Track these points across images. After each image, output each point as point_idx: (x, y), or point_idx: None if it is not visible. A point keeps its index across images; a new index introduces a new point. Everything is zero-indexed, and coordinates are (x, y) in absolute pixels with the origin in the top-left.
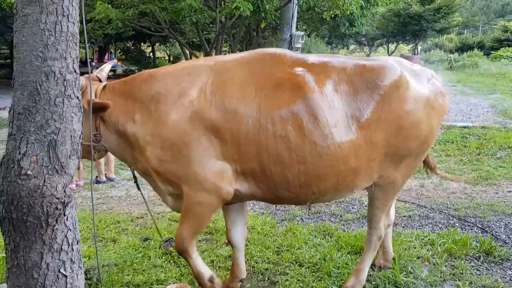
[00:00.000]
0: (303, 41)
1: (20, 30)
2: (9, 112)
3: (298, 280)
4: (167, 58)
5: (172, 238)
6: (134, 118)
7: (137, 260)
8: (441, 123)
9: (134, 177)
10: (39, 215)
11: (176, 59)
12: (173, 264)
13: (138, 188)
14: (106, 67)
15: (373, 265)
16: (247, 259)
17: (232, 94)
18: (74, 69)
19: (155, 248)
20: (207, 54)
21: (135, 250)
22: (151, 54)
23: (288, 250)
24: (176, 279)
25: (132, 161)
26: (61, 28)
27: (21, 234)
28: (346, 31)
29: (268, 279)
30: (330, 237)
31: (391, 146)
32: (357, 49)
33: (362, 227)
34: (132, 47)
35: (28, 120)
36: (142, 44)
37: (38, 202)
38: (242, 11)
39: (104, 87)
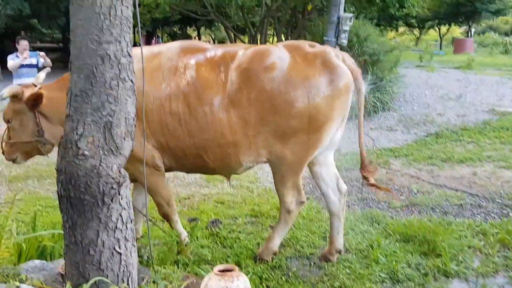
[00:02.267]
0: (351, 24)
1: (76, 14)
2: (67, 94)
3: (345, 267)
4: (212, 42)
5: (218, 219)
6: None
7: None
8: (342, 103)
9: None
10: (96, 194)
11: (220, 43)
12: (220, 245)
13: None
14: (41, 75)
15: (422, 254)
16: (293, 243)
17: (145, 79)
18: (128, 53)
19: (202, 228)
20: (252, 37)
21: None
22: (196, 38)
23: None
24: (223, 260)
25: None
26: (116, 12)
27: (78, 212)
28: (396, 12)
29: (314, 263)
30: (378, 224)
31: (268, 124)
32: (406, 32)
33: (411, 214)
34: (179, 31)
35: (84, 102)
36: (188, 28)
37: (95, 182)
38: None
39: (39, 88)
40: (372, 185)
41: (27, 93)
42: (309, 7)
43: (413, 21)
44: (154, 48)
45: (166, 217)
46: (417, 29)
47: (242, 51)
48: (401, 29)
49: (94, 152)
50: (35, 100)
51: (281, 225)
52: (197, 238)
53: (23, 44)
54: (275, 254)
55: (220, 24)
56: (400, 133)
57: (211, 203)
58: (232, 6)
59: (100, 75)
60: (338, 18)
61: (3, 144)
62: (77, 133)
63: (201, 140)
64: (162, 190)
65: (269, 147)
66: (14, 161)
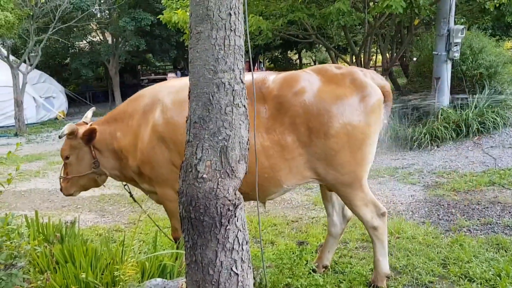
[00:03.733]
0: (463, 35)
1: (194, 46)
2: (186, 121)
3: None
4: (313, 63)
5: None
6: (117, 135)
7: (295, 263)
8: (377, 118)
9: (129, 192)
10: (214, 216)
11: (321, 64)
12: (331, 269)
13: (134, 200)
14: (89, 114)
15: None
16: (409, 270)
17: (176, 111)
18: (241, 80)
19: (312, 252)
20: (356, 56)
21: (292, 253)
22: (297, 61)
23: (455, 263)
24: (335, 285)
25: (122, 175)
26: (229, 42)
27: (198, 233)
28: None
29: None
30: (505, 251)
31: (307, 146)
32: None
33: None
34: (280, 56)
35: (202, 128)
36: (289, 51)
37: (213, 203)
38: (394, 9)
39: (91, 125)
40: None
41: (81, 130)
42: (416, 21)
43: None
44: (184, 80)
45: (176, 240)
46: None
47: (272, 77)
48: None
49: (212, 175)
50: (90, 135)
51: (377, 245)
52: (307, 262)
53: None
54: (388, 277)
55: (321, 45)
56: None
57: (320, 226)
58: (334, 26)
59: (216, 102)
60: (448, 30)
61: (61, 180)
62: (196, 157)
63: None
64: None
65: (314, 169)
66: (71, 195)
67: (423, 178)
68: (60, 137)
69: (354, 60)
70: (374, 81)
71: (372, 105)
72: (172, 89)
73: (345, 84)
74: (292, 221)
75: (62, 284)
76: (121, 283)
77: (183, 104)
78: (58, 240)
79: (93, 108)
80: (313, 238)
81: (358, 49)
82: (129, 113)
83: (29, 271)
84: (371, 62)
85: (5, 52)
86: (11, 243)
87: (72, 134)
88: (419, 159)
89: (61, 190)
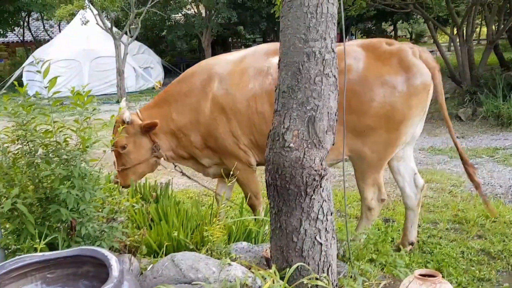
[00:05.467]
0: None
1: (286, 15)
2: (275, 90)
3: None
4: (408, 36)
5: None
6: (172, 116)
7: (380, 240)
8: (420, 101)
9: (181, 172)
10: (299, 185)
11: (418, 37)
12: (418, 249)
13: (189, 177)
14: (123, 104)
15: None
16: (505, 256)
17: (233, 82)
18: (332, 49)
19: (398, 230)
20: (457, 27)
21: (378, 229)
22: (392, 32)
23: None
24: (422, 265)
25: (176, 155)
26: (322, 10)
27: (283, 200)
28: None
29: None
30: None
31: (346, 123)
32: None
33: None
34: (373, 27)
35: (291, 97)
36: (383, 23)
37: (299, 173)
38: None
39: (140, 112)
40: (476, 182)
41: (137, 120)
42: None
43: None
44: (241, 52)
45: (253, 208)
46: None
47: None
48: None
49: (299, 144)
50: (151, 128)
51: (362, 223)
52: (393, 239)
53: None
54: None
55: (419, 16)
56: None
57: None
58: None
59: (305, 72)
60: None
61: (119, 173)
62: (284, 127)
63: None
64: (252, 184)
65: (349, 145)
66: (129, 186)
67: None
68: (127, 123)
69: (455, 32)
70: (423, 61)
71: (416, 87)
72: (228, 61)
73: (391, 63)
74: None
75: (156, 240)
76: (209, 244)
77: (241, 75)
78: (154, 199)
79: (124, 98)
80: (401, 216)
81: (461, 20)
82: (183, 93)
83: (128, 226)
84: (475, 34)
85: (108, 24)
86: (113, 199)
87: (126, 123)
88: None
89: (116, 183)
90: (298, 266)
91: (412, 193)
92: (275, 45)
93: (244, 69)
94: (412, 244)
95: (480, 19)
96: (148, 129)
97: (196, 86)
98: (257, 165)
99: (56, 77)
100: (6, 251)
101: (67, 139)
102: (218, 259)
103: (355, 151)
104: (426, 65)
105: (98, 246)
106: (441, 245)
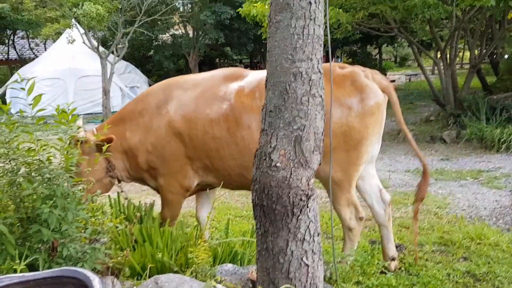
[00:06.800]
0: None
1: (273, 35)
2: (262, 110)
3: None
4: (393, 59)
5: (402, 245)
6: (126, 135)
7: (366, 262)
8: (376, 120)
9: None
10: (286, 205)
11: (403, 60)
12: (405, 271)
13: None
14: (80, 123)
15: None
16: (490, 278)
17: (190, 107)
18: (319, 69)
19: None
20: (441, 51)
21: (364, 251)
22: (377, 56)
23: None
24: (408, 287)
25: (130, 175)
26: (308, 31)
27: (270, 221)
28: None
29: None
30: None
31: None
32: None
33: None
34: (359, 50)
35: (277, 117)
36: (368, 46)
37: (285, 192)
38: (485, 1)
39: (96, 130)
40: (420, 197)
41: (91, 137)
42: (510, 15)
43: None
44: (199, 76)
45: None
46: None
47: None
48: None
49: (286, 164)
50: (108, 143)
51: (347, 245)
52: (379, 261)
53: None
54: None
55: (403, 40)
56: None
57: (394, 227)
58: (418, 20)
59: (292, 92)
60: None
61: None
62: (270, 146)
63: (242, 162)
64: (177, 208)
65: None
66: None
67: (510, 183)
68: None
69: (439, 56)
70: (376, 82)
71: (370, 107)
72: (186, 84)
73: (345, 85)
74: (366, 219)
75: (140, 262)
76: (194, 265)
77: (197, 99)
78: (138, 220)
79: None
80: None
81: (444, 44)
82: (138, 111)
83: (111, 247)
84: (458, 58)
85: (95, 43)
86: (96, 220)
87: (81, 143)
88: (506, 163)
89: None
90: None
91: (381, 209)
92: (232, 70)
93: (201, 93)
94: (393, 259)
95: (463, 44)
96: (102, 146)
97: (151, 105)
98: (208, 186)
99: (40, 95)
100: None
101: (50, 157)
102: (203, 281)
103: (318, 172)
104: (379, 85)
105: (80, 267)
106: (427, 267)
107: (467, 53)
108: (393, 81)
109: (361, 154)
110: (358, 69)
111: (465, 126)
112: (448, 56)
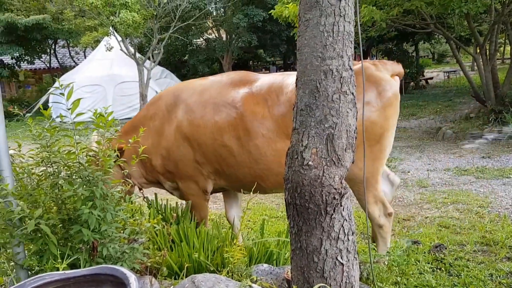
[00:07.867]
0: None
1: (303, 34)
2: (293, 108)
3: None
4: (431, 56)
5: (442, 245)
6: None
7: (405, 262)
8: (395, 110)
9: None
10: (319, 203)
11: (440, 57)
12: (445, 271)
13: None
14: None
15: None
16: None
17: (198, 113)
18: (350, 67)
19: (424, 252)
20: (480, 47)
21: (403, 252)
22: (414, 53)
23: None
24: (449, 287)
25: (147, 181)
26: (338, 28)
27: (303, 220)
28: None
29: None
30: None
31: None
32: None
33: None
34: (394, 48)
35: (309, 115)
36: (404, 43)
37: (318, 191)
38: None
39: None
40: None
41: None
42: None
43: None
44: (208, 80)
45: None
46: None
47: (291, 79)
48: None
49: (318, 162)
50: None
51: (380, 243)
52: (418, 261)
53: None
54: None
55: (441, 36)
56: None
57: (434, 226)
58: (455, 15)
59: (323, 90)
60: None
61: None
62: (302, 145)
63: (256, 170)
64: (203, 210)
65: None
66: None
67: None
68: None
69: (478, 51)
70: (388, 72)
71: (388, 98)
72: (195, 89)
73: (360, 81)
74: (403, 219)
75: (177, 262)
76: (230, 265)
77: (205, 106)
78: (175, 220)
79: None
80: (427, 238)
81: (483, 39)
82: (149, 116)
83: (149, 247)
84: (498, 53)
85: (132, 50)
86: (134, 220)
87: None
88: None
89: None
90: (319, 287)
91: (387, 189)
92: (240, 75)
93: (208, 100)
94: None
95: (503, 38)
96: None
97: (162, 109)
98: (213, 192)
99: (79, 99)
100: (29, 272)
101: (90, 160)
102: (239, 281)
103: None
104: (393, 72)
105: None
106: (468, 268)
107: (508, 48)
108: (431, 78)
109: (384, 147)
110: (367, 64)
111: (507, 123)
112: (487, 51)
